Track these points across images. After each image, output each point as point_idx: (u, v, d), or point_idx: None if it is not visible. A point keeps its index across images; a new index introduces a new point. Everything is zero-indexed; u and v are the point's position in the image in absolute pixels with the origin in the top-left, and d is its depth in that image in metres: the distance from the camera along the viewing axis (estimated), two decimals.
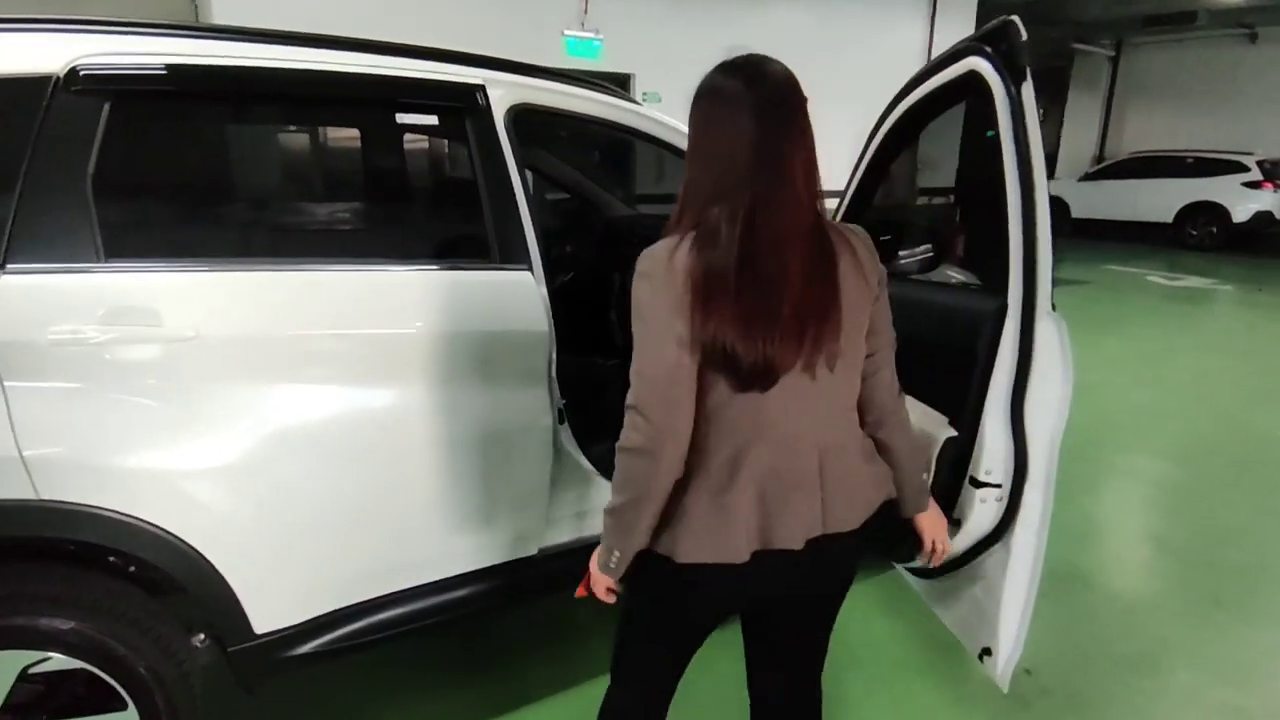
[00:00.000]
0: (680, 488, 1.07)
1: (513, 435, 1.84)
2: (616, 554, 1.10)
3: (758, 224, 0.98)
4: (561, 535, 2.04)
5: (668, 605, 1.17)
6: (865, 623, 2.43)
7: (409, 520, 1.74)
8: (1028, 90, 1.25)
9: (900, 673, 2.21)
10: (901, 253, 2.15)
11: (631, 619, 1.26)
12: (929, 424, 1.54)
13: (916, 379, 1.64)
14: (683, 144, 1.33)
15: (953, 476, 1.46)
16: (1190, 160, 11.76)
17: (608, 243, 3.12)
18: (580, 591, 1.23)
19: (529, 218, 1.84)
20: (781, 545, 1.07)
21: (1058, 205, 11.99)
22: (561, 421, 1.96)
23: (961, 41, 1.49)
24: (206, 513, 1.46)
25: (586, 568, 1.20)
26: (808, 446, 1.08)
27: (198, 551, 1.45)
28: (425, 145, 2.82)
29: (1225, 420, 4.44)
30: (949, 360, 1.49)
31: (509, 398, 1.81)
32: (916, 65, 1.70)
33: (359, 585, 1.71)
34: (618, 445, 1.05)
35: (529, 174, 2.16)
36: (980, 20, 11.77)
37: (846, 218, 2.07)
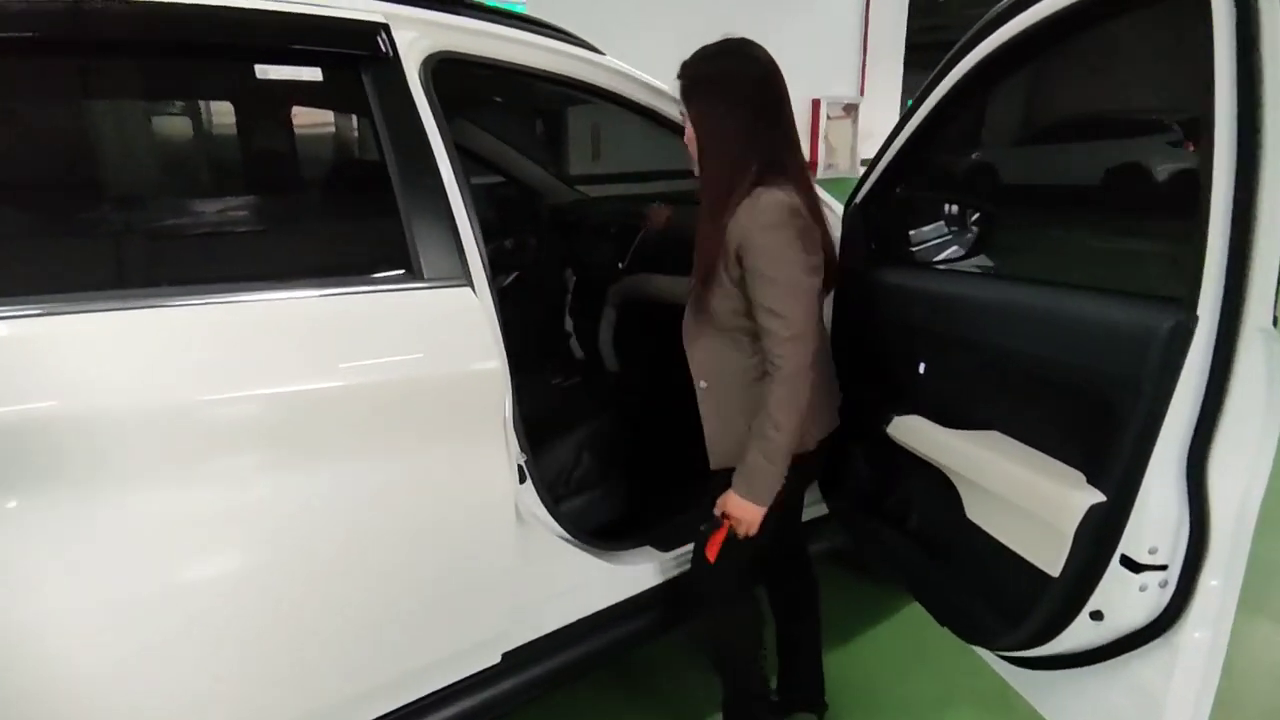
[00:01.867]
0: None
1: (457, 515, 1.34)
2: (780, 477, 1.25)
3: (800, 165, 1.30)
4: (533, 629, 1.55)
5: (792, 497, 1.44)
6: (903, 678, 2.04)
7: (309, 658, 1.21)
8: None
9: None
10: (926, 230, 1.73)
11: (739, 538, 1.34)
12: (1050, 480, 1.12)
13: (1021, 415, 1.22)
14: (665, 107, 1.55)
15: (1097, 554, 1.04)
16: (1115, 123, 11.99)
17: (555, 236, 2.59)
18: (714, 553, 1.34)
19: (467, 212, 1.32)
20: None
21: (987, 171, 12.02)
22: (523, 480, 1.46)
23: None
24: None
25: (710, 529, 1.34)
26: None
27: None
28: (325, 122, 2.19)
29: None
30: (1081, 392, 1.06)
31: (449, 466, 1.30)
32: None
33: None
34: (786, 375, 1.20)
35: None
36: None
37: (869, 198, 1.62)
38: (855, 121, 12.47)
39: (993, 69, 1.26)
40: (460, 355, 1.28)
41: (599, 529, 1.77)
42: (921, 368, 1.42)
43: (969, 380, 1.31)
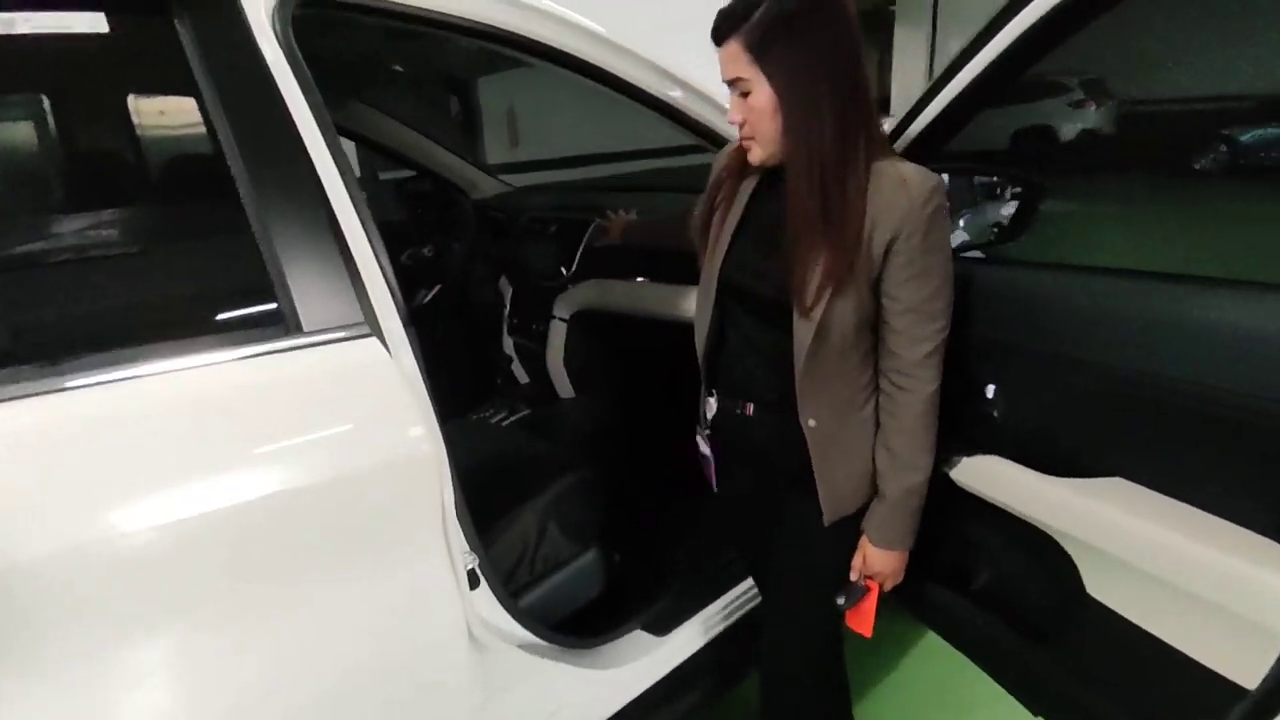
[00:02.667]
0: None
1: (388, 665, 0.93)
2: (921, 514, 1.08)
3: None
4: None
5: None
6: None
7: None
8: None
9: None
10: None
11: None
12: (1248, 559, 0.80)
13: (1173, 460, 0.89)
14: (631, 70, 1.28)
15: None
16: (1018, 85, 12.20)
17: (484, 238, 2.15)
18: (869, 625, 1.11)
19: (363, 225, 0.90)
20: None
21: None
22: (474, 586, 1.06)
23: None
24: None
25: (853, 599, 1.10)
26: None
27: None
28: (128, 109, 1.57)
29: None
30: None
31: (365, 603, 0.89)
32: None
33: None
34: (933, 391, 1.01)
35: (347, 143, 1.18)
36: None
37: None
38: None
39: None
40: (368, 439, 0.87)
41: (578, 616, 1.39)
42: (990, 391, 1.09)
43: (1074, 412, 0.99)
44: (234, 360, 0.80)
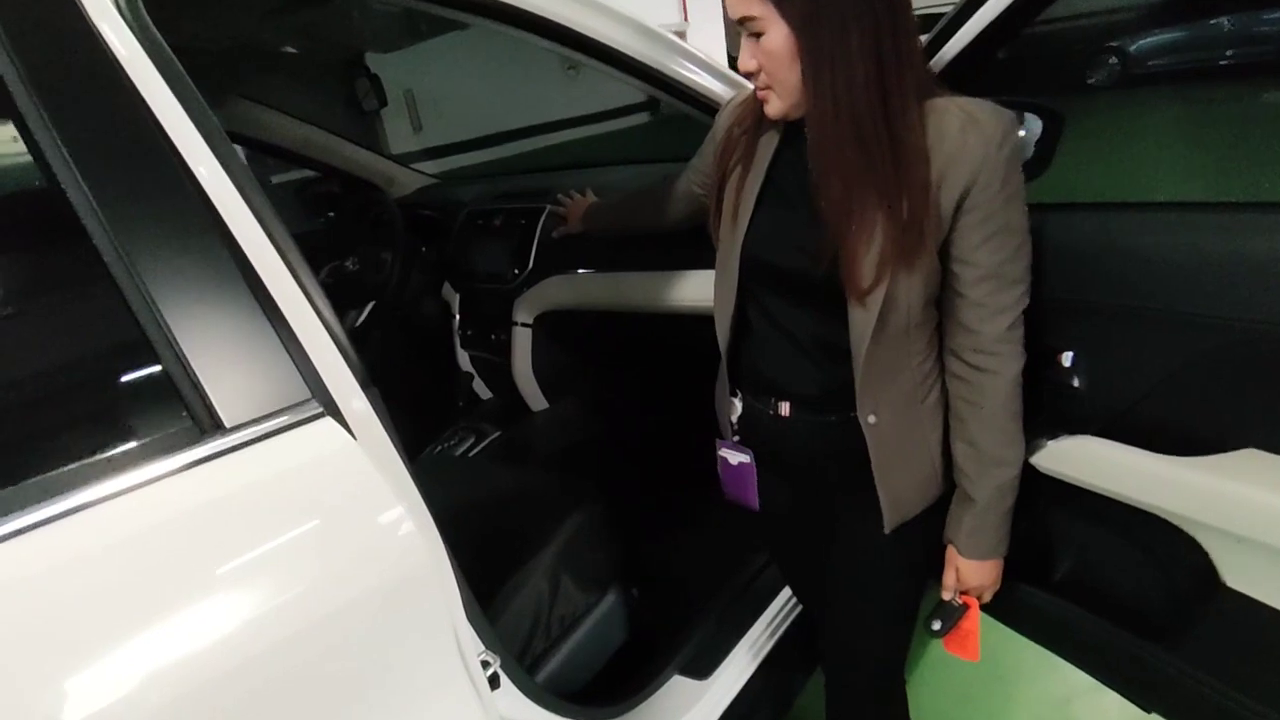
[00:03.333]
0: None
1: None
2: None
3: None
4: None
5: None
6: None
7: None
8: None
9: None
10: None
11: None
12: None
13: None
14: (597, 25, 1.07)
15: None
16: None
17: (415, 241, 1.87)
18: (975, 647, 0.95)
19: (289, 265, 0.65)
20: None
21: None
22: (496, 686, 0.85)
23: None
24: None
25: (952, 621, 0.94)
26: None
27: None
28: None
29: None
30: None
31: None
32: None
33: None
34: (1017, 371, 0.84)
35: (238, 150, 0.94)
36: None
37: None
38: None
39: None
40: (341, 559, 0.63)
41: (608, 667, 1.20)
42: (1067, 359, 0.93)
43: (1181, 377, 0.84)
44: (129, 489, 0.55)
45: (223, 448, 0.58)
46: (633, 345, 1.65)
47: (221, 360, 0.60)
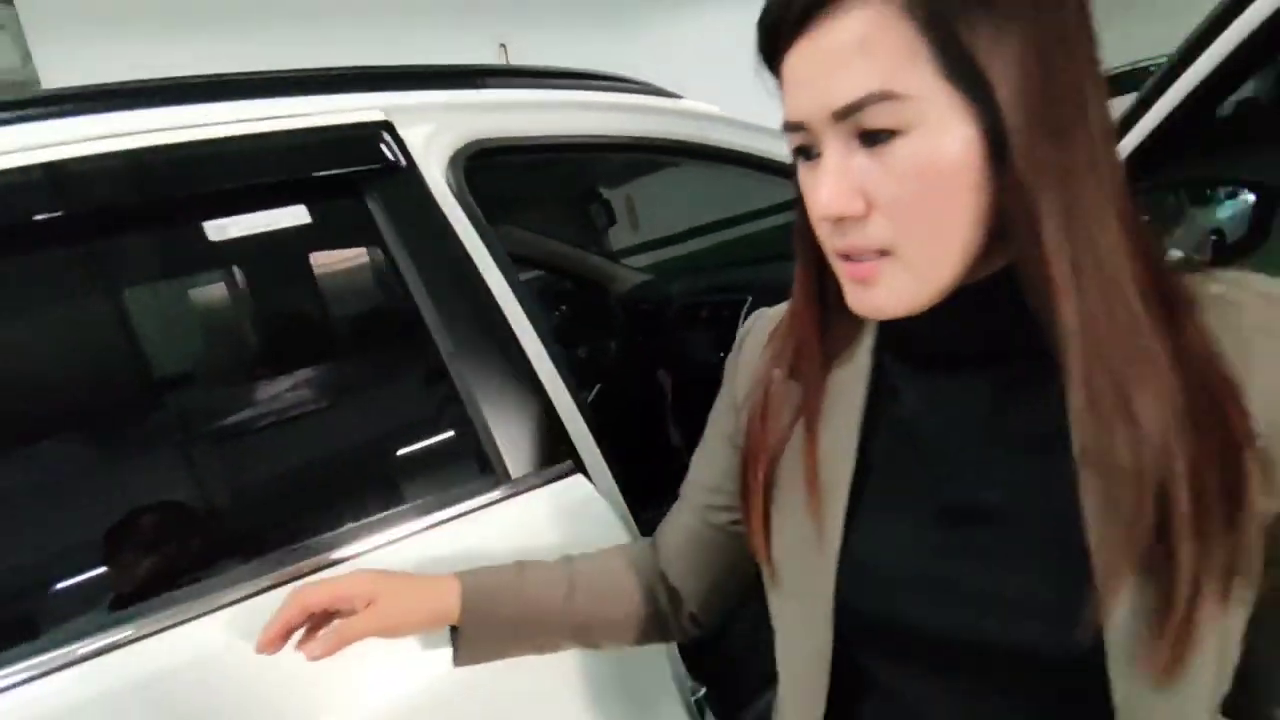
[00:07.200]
0: None
1: None
2: None
3: None
4: None
5: None
6: None
7: None
8: None
9: None
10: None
11: None
12: None
13: None
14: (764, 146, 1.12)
15: None
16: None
17: (633, 331, 2.15)
18: None
19: (551, 358, 0.89)
20: None
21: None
22: (702, 715, 0.96)
23: None
24: None
25: None
26: None
27: None
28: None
29: None
30: None
31: None
32: None
33: None
34: None
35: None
36: None
37: None
38: None
39: None
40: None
41: None
42: None
43: None
44: (448, 520, 0.78)
45: (511, 492, 0.80)
46: None
47: (512, 429, 0.83)
